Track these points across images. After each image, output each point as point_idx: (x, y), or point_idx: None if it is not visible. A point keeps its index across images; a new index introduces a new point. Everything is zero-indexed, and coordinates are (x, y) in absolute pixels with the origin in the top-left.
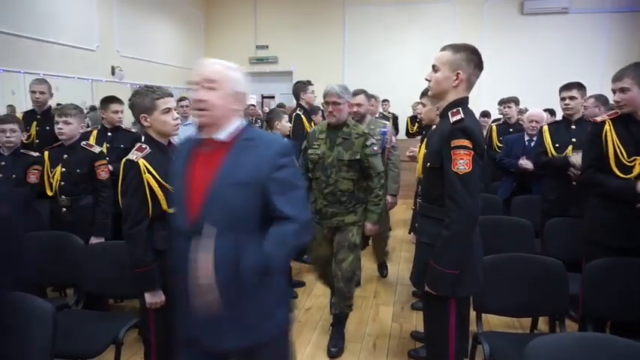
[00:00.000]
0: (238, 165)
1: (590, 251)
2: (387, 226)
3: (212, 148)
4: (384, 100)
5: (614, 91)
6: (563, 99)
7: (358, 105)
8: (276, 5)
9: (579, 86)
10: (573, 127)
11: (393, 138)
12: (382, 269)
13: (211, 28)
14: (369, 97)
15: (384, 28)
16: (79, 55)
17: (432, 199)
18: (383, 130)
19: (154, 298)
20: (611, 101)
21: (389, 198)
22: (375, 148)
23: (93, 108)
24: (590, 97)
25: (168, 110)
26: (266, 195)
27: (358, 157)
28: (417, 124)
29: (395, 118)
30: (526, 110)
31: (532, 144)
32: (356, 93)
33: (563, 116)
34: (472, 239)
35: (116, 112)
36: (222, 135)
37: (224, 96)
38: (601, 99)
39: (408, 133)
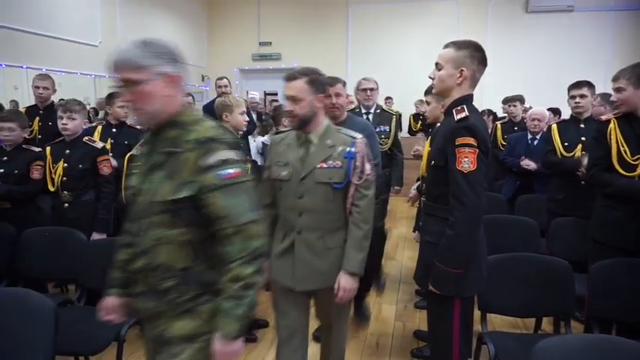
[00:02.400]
0: None
1: (596, 251)
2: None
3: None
4: (388, 98)
5: (613, 91)
6: (572, 97)
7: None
8: (280, 2)
9: (589, 85)
10: (582, 125)
11: (368, 165)
12: (378, 281)
13: (214, 25)
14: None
15: (387, 24)
16: (82, 51)
17: (436, 198)
18: (349, 150)
19: None
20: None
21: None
22: (231, 171)
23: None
24: (596, 95)
25: None
26: None
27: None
28: (419, 122)
29: (399, 116)
30: (530, 109)
31: (535, 142)
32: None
33: (572, 115)
34: (476, 238)
35: (122, 107)
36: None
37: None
38: (606, 97)
39: (410, 131)
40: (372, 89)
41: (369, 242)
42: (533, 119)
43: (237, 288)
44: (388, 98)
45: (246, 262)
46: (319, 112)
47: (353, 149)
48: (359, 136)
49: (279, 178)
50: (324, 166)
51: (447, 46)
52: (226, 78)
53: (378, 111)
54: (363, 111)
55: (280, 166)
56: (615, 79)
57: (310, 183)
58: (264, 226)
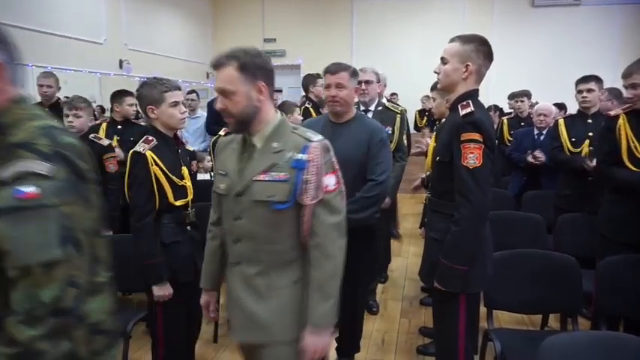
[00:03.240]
0: None
1: (603, 247)
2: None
3: None
4: (393, 94)
5: (625, 88)
6: (580, 92)
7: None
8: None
9: (597, 79)
10: (589, 120)
11: (329, 179)
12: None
13: (219, 21)
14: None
15: (392, 19)
16: (87, 49)
17: (441, 194)
18: (298, 158)
19: (161, 292)
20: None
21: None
22: (26, 190)
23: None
24: (604, 90)
25: (175, 104)
26: None
27: None
28: (425, 118)
29: (404, 115)
30: (537, 104)
31: (541, 138)
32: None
33: (579, 110)
34: (482, 235)
35: (131, 104)
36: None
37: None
38: (614, 92)
39: (416, 127)
40: (368, 82)
41: (339, 281)
42: (540, 114)
43: (8, 355)
44: (393, 94)
45: (27, 320)
46: (264, 107)
47: (303, 156)
48: (316, 137)
49: (217, 191)
50: (265, 178)
51: (452, 40)
52: None
53: (380, 109)
54: (361, 109)
55: (221, 176)
56: (628, 75)
57: (247, 201)
58: (83, 266)
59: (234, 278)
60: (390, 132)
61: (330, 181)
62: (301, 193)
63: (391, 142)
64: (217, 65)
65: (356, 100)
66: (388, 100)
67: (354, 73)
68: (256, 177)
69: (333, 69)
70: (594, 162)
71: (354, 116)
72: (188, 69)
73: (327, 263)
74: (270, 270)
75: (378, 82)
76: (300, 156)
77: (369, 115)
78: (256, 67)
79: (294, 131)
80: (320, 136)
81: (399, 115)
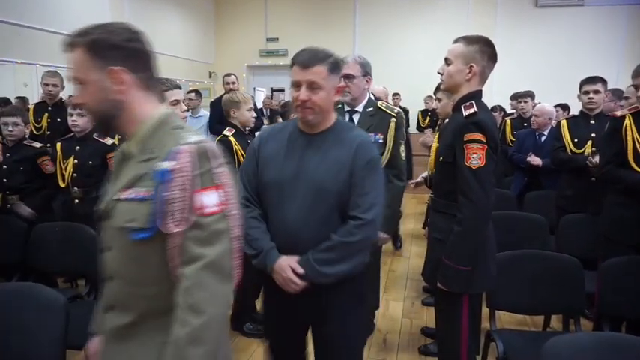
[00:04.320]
0: None
1: (606, 248)
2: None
3: None
4: (395, 94)
5: (635, 87)
6: (586, 93)
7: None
8: None
9: (603, 80)
10: (592, 122)
11: (205, 197)
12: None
13: (222, 21)
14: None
15: (395, 20)
16: None
17: (444, 194)
18: (161, 168)
19: None
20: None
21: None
22: None
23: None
24: (608, 91)
25: (176, 102)
26: None
27: None
28: (428, 118)
29: (405, 112)
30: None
31: (542, 139)
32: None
33: (582, 111)
34: (485, 235)
35: None
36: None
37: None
38: (616, 93)
39: (419, 127)
40: (350, 76)
41: (210, 352)
42: (532, 115)
43: None
44: (396, 94)
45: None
46: (131, 101)
47: (167, 166)
48: (193, 139)
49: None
50: (127, 196)
51: (456, 41)
52: (234, 74)
53: (370, 110)
54: (346, 109)
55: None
56: (638, 74)
57: (110, 227)
58: None
59: (104, 330)
60: (380, 141)
61: (209, 199)
62: (164, 216)
63: (382, 154)
64: (67, 45)
65: (336, 99)
66: (376, 98)
67: (334, 67)
68: (119, 195)
69: (305, 60)
70: (597, 158)
71: (332, 125)
72: (191, 68)
73: (192, 319)
74: (143, 321)
75: (365, 75)
76: (164, 165)
77: (355, 118)
78: (110, 46)
79: (174, 131)
80: (201, 137)
81: (393, 120)
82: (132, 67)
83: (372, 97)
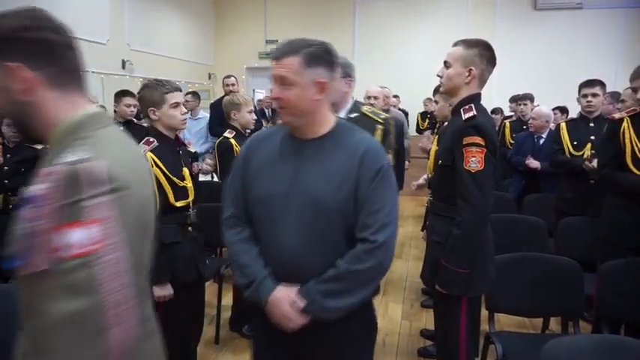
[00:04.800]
0: None
1: (605, 251)
2: None
3: None
4: (395, 96)
5: (634, 90)
6: (584, 96)
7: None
8: (286, 1)
9: (601, 84)
10: (592, 124)
11: (75, 234)
12: None
13: (221, 23)
14: None
15: (394, 22)
16: (90, 49)
17: (443, 197)
18: (31, 190)
19: (162, 292)
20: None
21: None
22: None
23: None
24: (606, 94)
25: (176, 105)
26: None
27: None
28: (427, 120)
29: (405, 114)
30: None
31: (541, 142)
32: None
33: (581, 113)
34: (484, 238)
35: (129, 105)
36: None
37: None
38: (615, 96)
39: (418, 129)
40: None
41: None
42: (530, 118)
43: None
44: (396, 96)
45: None
46: (41, 103)
47: (35, 189)
48: (70, 158)
49: None
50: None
51: (456, 44)
52: (234, 76)
53: (354, 116)
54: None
55: None
56: (637, 77)
57: None
58: None
59: None
60: None
61: (74, 237)
62: (26, 249)
63: None
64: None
65: (319, 97)
66: (366, 103)
67: (313, 58)
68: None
69: (276, 51)
70: (594, 162)
71: (331, 129)
72: (190, 70)
73: None
74: (31, 355)
75: (345, 76)
76: (32, 188)
77: None
78: (7, 40)
79: (75, 142)
80: (88, 155)
81: (380, 127)
82: (33, 62)
83: (366, 101)
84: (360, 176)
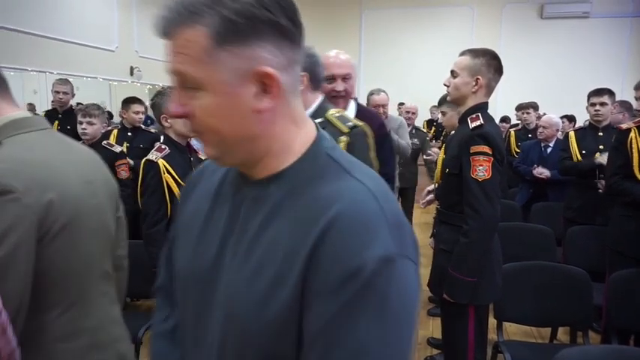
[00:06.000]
0: None
1: (614, 261)
2: None
3: None
4: (401, 103)
5: (637, 99)
6: (593, 105)
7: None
8: None
9: (610, 92)
10: (600, 133)
11: None
12: None
13: None
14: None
15: (401, 30)
16: (99, 56)
17: (450, 206)
18: None
19: None
20: (635, 107)
21: None
22: None
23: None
24: (615, 103)
25: None
26: None
27: None
28: (433, 128)
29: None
30: (544, 115)
31: (548, 150)
32: None
33: (590, 122)
34: (491, 246)
35: (137, 112)
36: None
37: None
38: (625, 105)
39: None
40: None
41: None
42: (539, 126)
43: None
44: (401, 104)
45: None
46: None
47: None
48: None
49: None
50: None
51: (463, 53)
52: None
53: (319, 122)
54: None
55: None
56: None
57: None
58: None
59: None
60: None
61: None
62: None
63: None
64: None
65: (262, 106)
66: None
67: (234, 27)
68: None
69: (164, 20)
70: (605, 157)
71: (293, 164)
72: None
73: None
74: None
75: (306, 72)
76: None
77: None
78: None
79: None
80: None
81: (343, 139)
82: None
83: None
84: (310, 278)
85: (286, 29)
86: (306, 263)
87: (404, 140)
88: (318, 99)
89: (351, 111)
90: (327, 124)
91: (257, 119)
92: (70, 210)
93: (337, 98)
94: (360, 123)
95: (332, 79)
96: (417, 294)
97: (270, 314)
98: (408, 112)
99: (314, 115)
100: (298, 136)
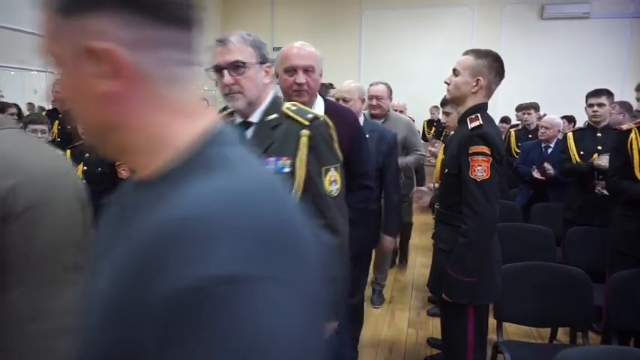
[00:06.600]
0: None
1: (615, 261)
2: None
3: None
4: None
5: (638, 100)
6: (591, 106)
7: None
8: (294, 8)
9: (608, 93)
10: (599, 134)
11: None
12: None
13: (228, 30)
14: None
15: (401, 30)
16: None
17: (449, 206)
18: None
19: None
20: (635, 108)
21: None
22: None
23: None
24: (614, 103)
25: None
26: None
27: None
28: (433, 128)
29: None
30: (545, 116)
31: (549, 151)
32: None
33: (588, 123)
34: (490, 247)
35: None
36: None
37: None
38: (625, 106)
39: (424, 137)
40: (239, 65)
41: None
42: (541, 127)
43: None
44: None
45: None
46: None
47: None
48: None
49: None
50: None
51: (466, 53)
52: None
53: (271, 118)
54: (237, 120)
55: None
56: None
57: None
58: None
59: None
60: (287, 169)
61: None
62: None
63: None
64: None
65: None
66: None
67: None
68: None
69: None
70: (604, 159)
71: (177, 165)
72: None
73: None
74: None
75: (262, 63)
76: None
77: (249, 133)
78: None
79: None
80: None
81: (305, 133)
82: None
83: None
84: (139, 298)
85: (149, 3)
86: (135, 278)
87: (413, 154)
88: (269, 95)
89: (318, 107)
90: (284, 119)
91: (106, 104)
92: (34, 196)
93: (300, 93)
94: (320, 114)
95: (293, 70)
96: (291, 326)
97: (120, 331)
98: (396, 110)
99: (267, 111)
100: (182, 130)
